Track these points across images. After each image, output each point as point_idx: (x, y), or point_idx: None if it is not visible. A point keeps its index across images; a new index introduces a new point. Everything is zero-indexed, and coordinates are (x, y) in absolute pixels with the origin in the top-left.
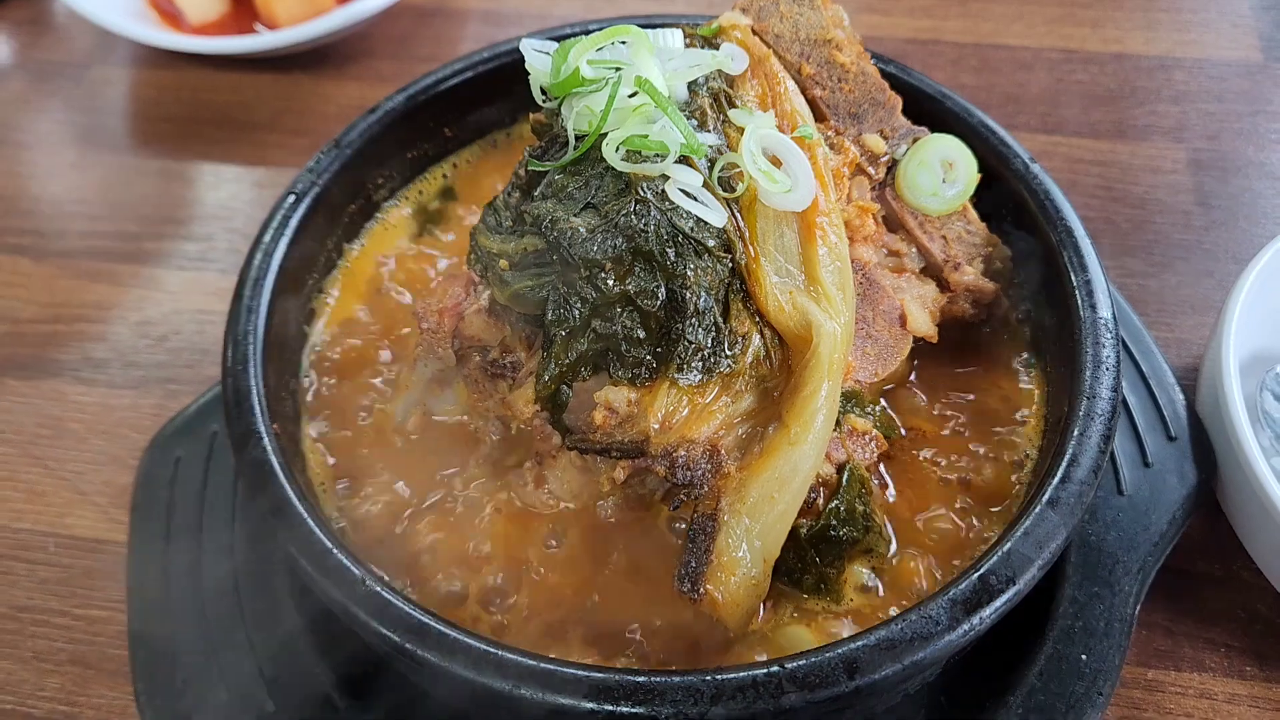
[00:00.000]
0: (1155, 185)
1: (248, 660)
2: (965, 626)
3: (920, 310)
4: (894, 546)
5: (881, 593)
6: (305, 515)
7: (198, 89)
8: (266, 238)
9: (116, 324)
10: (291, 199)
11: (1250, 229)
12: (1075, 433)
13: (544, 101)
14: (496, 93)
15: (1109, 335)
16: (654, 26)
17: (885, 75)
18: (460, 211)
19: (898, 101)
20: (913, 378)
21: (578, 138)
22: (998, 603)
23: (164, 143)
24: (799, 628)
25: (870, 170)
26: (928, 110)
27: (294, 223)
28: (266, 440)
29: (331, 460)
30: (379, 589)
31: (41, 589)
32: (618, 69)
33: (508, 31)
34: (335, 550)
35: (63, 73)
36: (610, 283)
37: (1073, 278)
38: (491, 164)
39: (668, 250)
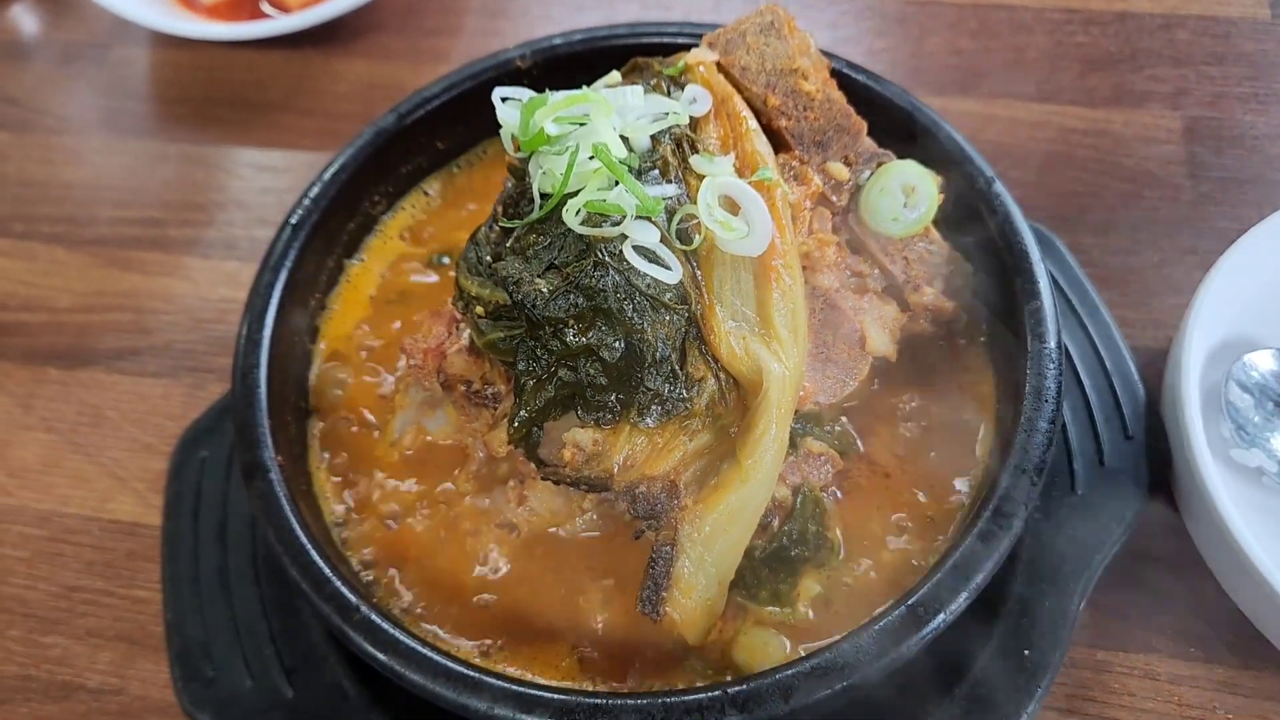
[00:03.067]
0: (1147, 157)
1: (269, 650)
2: (893, 655)
3: (880, 331)
4: (846, 559)
5: (833, 603)
6: (307, 545)
7: (213, 69)
8: (268, 270)
9: (146, 313)
10: (290, 229)
11: (1240, 204)
12: (1011, 464)
13: (515, 153)
14: (486, 104)
15: (1052, 366)
16: (648, 36)
17: (857, 86)
18: (455, 218)
19: (862, 126)
20: (874, 393)
21: (543, 196)
22: (924, 631)
23: (183, 126)
24: (764, 631)
25: (834, 198)
26: (898, 122)
27: (294, 252)
28: (272, 473)
29: (335, 477)
30: (371, 614)
31: (89, 570)
32: (583, 124)
33: (513, 2)
34: (334, 580)
35: (85, 54)
36: (572, 336)
37: (1023, 305)
38: (484, 172)
39: (625, 307)
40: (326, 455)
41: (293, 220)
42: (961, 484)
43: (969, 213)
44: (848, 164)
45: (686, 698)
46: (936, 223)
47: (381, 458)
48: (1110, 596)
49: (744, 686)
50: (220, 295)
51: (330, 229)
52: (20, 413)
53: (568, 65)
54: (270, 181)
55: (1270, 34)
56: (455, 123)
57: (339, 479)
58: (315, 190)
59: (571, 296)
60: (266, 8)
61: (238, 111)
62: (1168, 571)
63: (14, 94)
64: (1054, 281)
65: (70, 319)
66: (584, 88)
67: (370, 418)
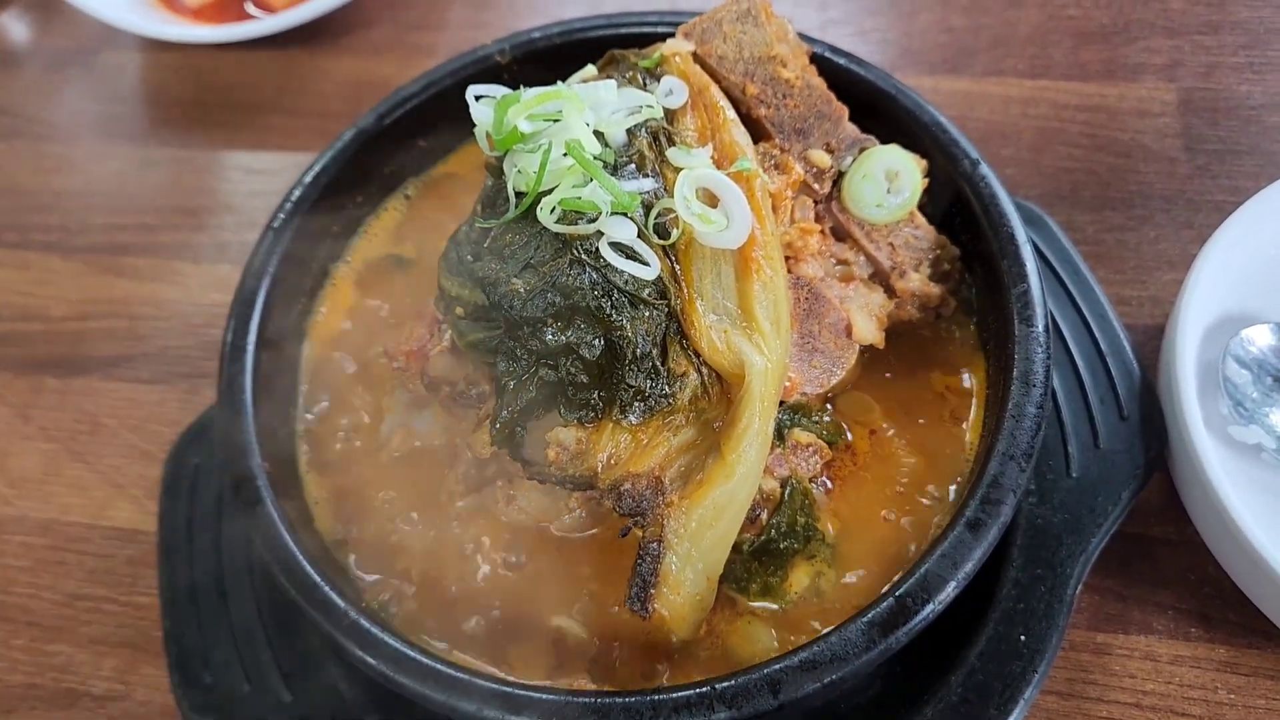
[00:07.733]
0: (1142, 130)
1: (266, 655)
2: (881, 647)
3: (866, 319)
4: (837, 549)
5: (824, 595)
6: (296, 552)
7: (201, 72)
8: (250, 276)
9: (139, 320)
10: (272, 233)
11: (1237, 175)
12: (999, 450)
13: (490, 151)
14: (465, 103)
15: (1040, 351)
16: (626, 26)
17: (839, 70)
18: (438, 217)
19: (843, 112)
20: (862, 382)
21: (518, 195)
22: (913, 622)
23: (172, 130)
24: (756, 624)
25: (816, 186)
26: (882, 106)
27: (276, 256)
28: (259, 480)
29: (324, 481)
30: (360, 619)
31: (91, 578)
32: (556, 120)
33: None
34: (322, 586)
35: (74, 60)
36: (551, 336)
37: (1010, 289)
38: (467, 169)
39: (603, 304)
40: (316, 459)
41: (274, 225)
42: (951, 471)
43: (955, 196)
44: (829, 151)
45: (674, 695)
46: (922, 207)
47: (370, 460)
48: (1108, 579)
49: (731, 682)
50: (212, 300)
51: (313, 232)
52: (19, 422)
53: (548, 58)
54: (260, 184)
55: (1266, 0)
56: (437, 121)
57: (328, 482)
58: (297, 194)
59: (549, 295)
60: (251, 9)
61: (226, 114)
62: (1166, 552)
63: (4, 102)
64: (1045, 261)
65: (65, 327)
66: (558, 83)
67: (358, 420)
